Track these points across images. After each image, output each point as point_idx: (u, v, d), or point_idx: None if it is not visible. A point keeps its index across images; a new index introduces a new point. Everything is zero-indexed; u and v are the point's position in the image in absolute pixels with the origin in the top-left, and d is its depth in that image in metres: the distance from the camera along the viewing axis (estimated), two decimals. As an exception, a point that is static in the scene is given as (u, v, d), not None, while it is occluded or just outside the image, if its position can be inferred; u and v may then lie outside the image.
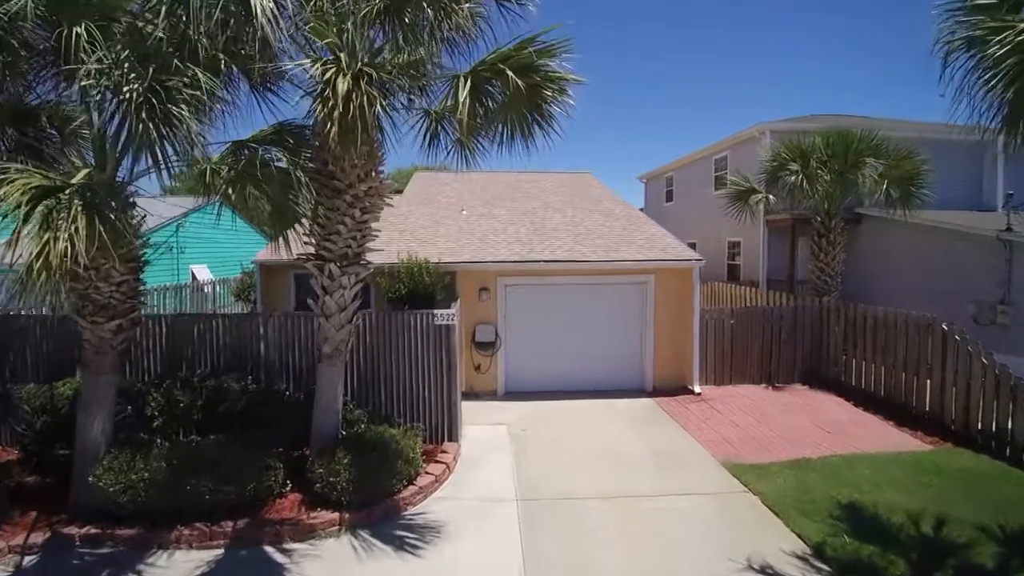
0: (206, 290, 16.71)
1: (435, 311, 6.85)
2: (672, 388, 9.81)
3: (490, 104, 5.13)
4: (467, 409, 8.79)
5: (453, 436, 7.00)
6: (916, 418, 8.28)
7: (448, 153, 6.80)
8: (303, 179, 4.94)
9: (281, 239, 5.87)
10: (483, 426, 8.10)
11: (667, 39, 60.80)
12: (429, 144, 6.72)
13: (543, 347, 9.77)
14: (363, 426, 6.26)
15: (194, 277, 18.11)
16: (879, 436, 7.79)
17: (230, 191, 5.14)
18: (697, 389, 9.52)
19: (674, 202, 22.19)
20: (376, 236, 5.79)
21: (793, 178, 10.64)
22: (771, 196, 11.62)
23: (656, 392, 9.72)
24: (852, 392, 9.52)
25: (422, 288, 7.39)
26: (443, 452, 6.64)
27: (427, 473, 6.02)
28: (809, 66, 60.78)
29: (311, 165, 5.36)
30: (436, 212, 12.14)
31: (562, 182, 15.62)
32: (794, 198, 11.39)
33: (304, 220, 5.53)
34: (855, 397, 9.33)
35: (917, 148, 10.95)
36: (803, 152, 10.64)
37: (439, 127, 6.57)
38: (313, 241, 5.45)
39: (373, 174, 5.44)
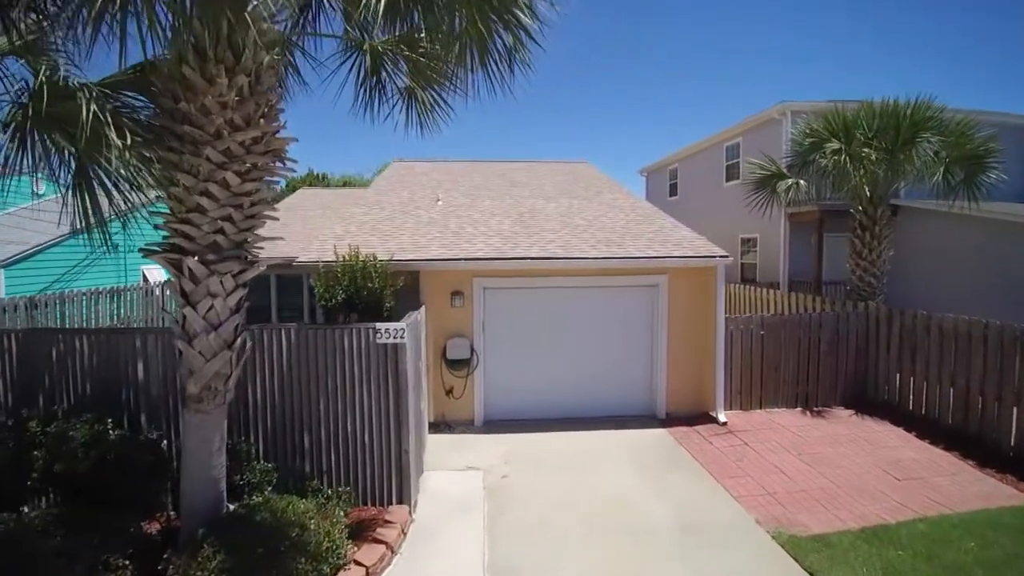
0: (156, 293, 14.76)
1: (378, 325, 4.97)
2: (690, 415, 7.95)
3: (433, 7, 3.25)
4: (435, 445, 6.93)
5: (403, 496, 5.11)
6: (1001, 456, 6.49)
7: (394, 107, 4.96)
8: (104, 118, 3.03)
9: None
10: (452, 472, 6.21)
11: (665, 32, 59.14)
12: (368, 95, 4.89)
13: (531, 365, 7.90)
14: (265, 494, 4.36)
15: (145, 279, 16.15)
16: (962, 483, 5.97)
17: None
18: (721, 417, 7.66)
19: (679, 196, 20.37)
20: (273, 217, 3.90)
21: (833, 159, 8.78)
22: (802, 182, 9.77)
23: (670, 420, 7.86)
24: (910, 420, 7.69)
25: (366, 293, 5.51)
26: (386, 523, 4.74)
27: (357, 564, 4.12)
28: (808, 60, 59.22)
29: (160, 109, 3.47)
30: (407, 203, 10.26)
31: (557, 171, 13.77)
32: (829, 184, 9.59)
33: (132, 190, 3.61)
34: (916, 427, 7.50)
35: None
36: (846, 126, 8.80)
37: (380, 68, 4.71)
38: (163, 223, 3.55)
39: (261, 120, 3.56)
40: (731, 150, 16.24)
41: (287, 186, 33.06)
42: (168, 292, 14.67)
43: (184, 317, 3.59)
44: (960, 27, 48.56)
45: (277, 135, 3.72)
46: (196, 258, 3.40)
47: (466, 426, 7.64)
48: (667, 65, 62.15)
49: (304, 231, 11.31)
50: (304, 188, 20.01)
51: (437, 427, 7.53)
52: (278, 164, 3.80)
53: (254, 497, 4.30)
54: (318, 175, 34.38)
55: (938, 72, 50.96)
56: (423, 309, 7.03)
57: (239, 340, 3.78)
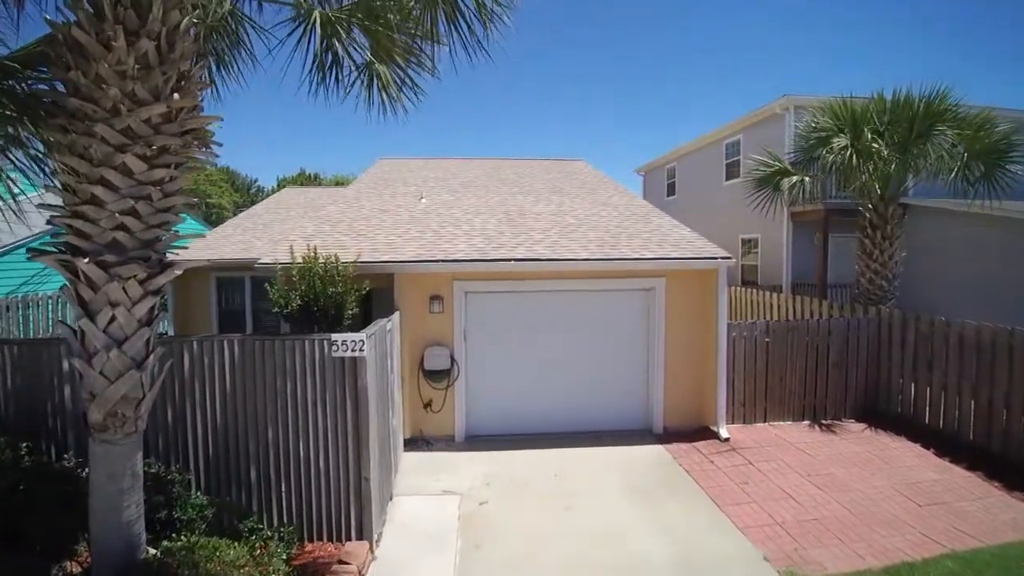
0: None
1: (333, 336, 4.36)
2: (689, 430, 7.36)
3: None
4: (410, 465, 6.34)
5: (364, 530, 4.49)
6: (1029, 475, 5.93)
7: (352, 86, 4.38)
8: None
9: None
10: (426, 497, 5.60)
11: (665, 29, 58.64)
12: (322, 73, 4.30)
13: (516, 375, 7.29)
14: (196, 534, 3.75)
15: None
16: (990, 509, 5.39)
17: None
18: (723, 432, 7.06)
19: (677, 196, 19.80)
20: (190, 210, 3.29)
21: (841, 155, 8.20)
22: (807, 179, 9.19)
23: (668, 435, 7.26)
24: (927, 435, 7.10)
25: (324, 299, 4.90)
26: (341, 563, 4.13)
27: (298, 617, 3.53)
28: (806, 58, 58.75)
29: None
30: (388, 201, 9.65)
31: (550, 168, 13.19)
32: (835, 181, 9.01)
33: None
34: (934, 443, 6.91)
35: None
36: (855, 119, 8.21)
37: (334, 42, 4.12)
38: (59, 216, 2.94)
39: (174, 94, 2.95)
40: (731, 147, 15.66)
41: (277, 185, 32.49)
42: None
43: (82, 329, 2.98)
44: (967, 21, 48.07)
45: (196, 113, 3.11)
46: (88, 260, 2.80)
47: (446, 442, 7.03)
48: (666, 62, 61.73)
49: (282, 231, 10.72)
50: (291, 187, 19.40)
51: (414, 443, 6.93)
52: (200, 148, 3.19)
53: (182, 537, 3.69)
54: (310, 175, 33.78)
55: (943, 68, 50.40)
56: (397, 315, 6.44)
57: (152, 358, 3.17)
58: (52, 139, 2.82)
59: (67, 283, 3.01)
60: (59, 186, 2.90)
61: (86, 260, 2.79)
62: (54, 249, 3.01)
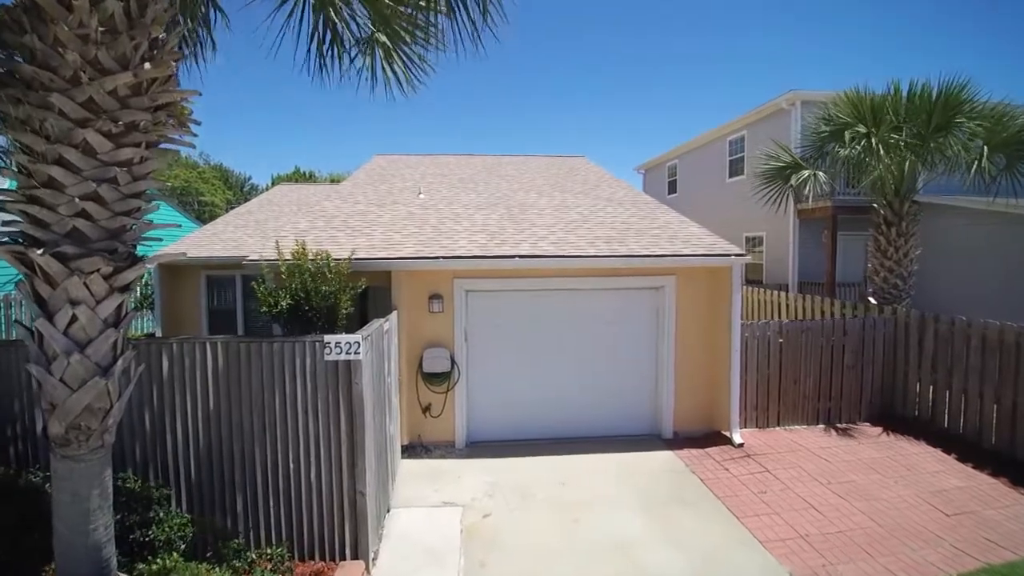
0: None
1: (327, 337, 4.01)
2: (700, 434, 7.05)
3: None
4: (408, 473, 6.00)
5: (359, 547, 4.15)
6: (1058, 483, 5.66)
7: (352, 63, 4.05)
8: None
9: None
10: (425, 509, 5.25)
11: (665, 26, 58.42)
12: (319, 47, 3.98)
13: (520, 378, 6.96)
14: (175, 555, 3.39)
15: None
16: (1020, 518, 5.15)
17: None
18: (737, 438, 6.75)
19: (678, 194, 19.50)
20: (162, 198, 2.95)
21: (863, 144, 7.89)
22: (821, 173, 8.89)
23: (678, 441, 6.94)
24: (946, 439, 6.83)
25: (316, 298, 4.55)
26: (334, 586, 3.80)
27: (286, 649, 3.18)
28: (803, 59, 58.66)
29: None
30: (384, 196, 9.30)
31: (551, 165, 12.86)
32: (843, 178, 8.72)
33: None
34: (955, 447, 6.63)
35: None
36: (873, 110, 7.91)
37: (328, 11, 3.79)
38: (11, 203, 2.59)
39: (145, 63, 2.61)
40: (735, 144, 15.37)
41: (272, 182, 32.05)
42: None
43: (39, 332, 2.63)
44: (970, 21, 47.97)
45: (171, 85, 2.76)
46: (42, 251, 2.44)
47: (446, 449, 6.68)
48: (666, 60, 61.57)
49: (275, 227, 10.35)
50: (285, 183, 19.01)
51: (412, 450, 6.59)
52: (175, 126, 2.84)
53: (158, 560, 3.34)
54: (305, 172, 33.31)
55: (949, 67, 50.07)
56: (395, 315, 6.09)
57: (120, 363, 2.82)
58: (4, 113, 2.46)
59: (23, 278, 2.66)
60: (13, 167, 2.55)
61: (40, 252, 2.44)
62: (8, 239, 2.66)
